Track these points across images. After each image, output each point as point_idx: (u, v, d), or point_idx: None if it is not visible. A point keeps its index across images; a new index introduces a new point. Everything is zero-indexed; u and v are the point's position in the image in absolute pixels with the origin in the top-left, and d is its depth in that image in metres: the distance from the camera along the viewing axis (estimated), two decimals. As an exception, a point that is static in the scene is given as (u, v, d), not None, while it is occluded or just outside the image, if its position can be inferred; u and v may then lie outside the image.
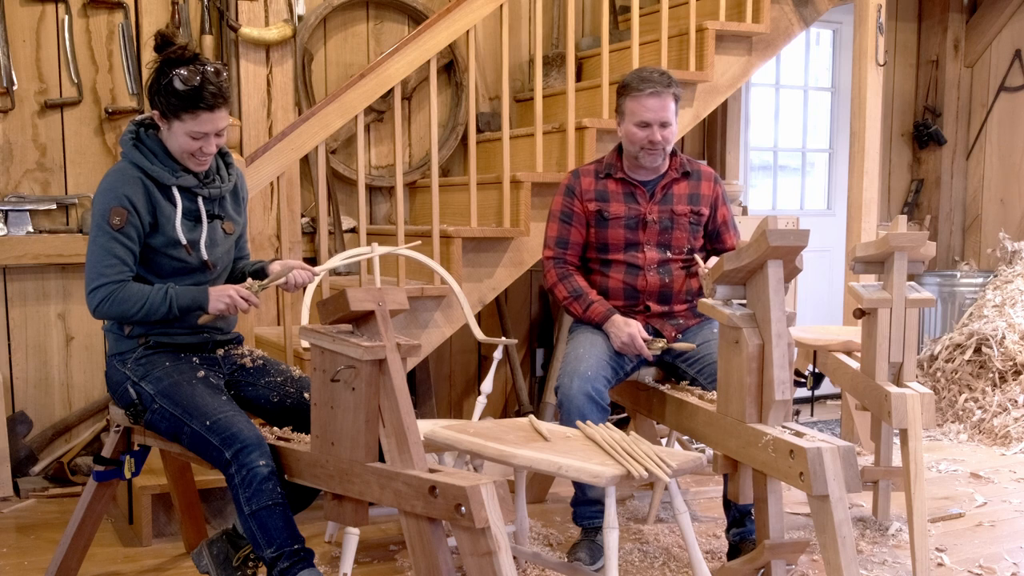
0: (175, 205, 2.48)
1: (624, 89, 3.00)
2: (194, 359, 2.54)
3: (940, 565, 3.01)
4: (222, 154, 2.62)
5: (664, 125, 2.96)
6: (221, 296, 2.45)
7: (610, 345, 2.98)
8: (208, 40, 3.90)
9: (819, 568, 2.95)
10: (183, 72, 2.39)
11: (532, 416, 2.76)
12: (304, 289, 2.90)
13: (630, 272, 3.04)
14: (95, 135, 3.84)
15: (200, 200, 2.53)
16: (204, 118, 2.41)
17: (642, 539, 3.22)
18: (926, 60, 5.94)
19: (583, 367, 2.87)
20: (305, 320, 3.05)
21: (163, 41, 2.44)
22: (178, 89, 2.39)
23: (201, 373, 2.49)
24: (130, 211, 2.41)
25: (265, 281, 2.55)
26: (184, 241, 2.48)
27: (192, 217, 2.51)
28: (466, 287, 3.67)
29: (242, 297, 2.46)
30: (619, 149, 3.12)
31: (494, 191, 3.82)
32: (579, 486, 2.93)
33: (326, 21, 4.22)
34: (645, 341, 2.93)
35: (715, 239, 3.14)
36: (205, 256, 2.53)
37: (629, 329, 2.92)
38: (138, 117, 2.56)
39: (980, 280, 5.45)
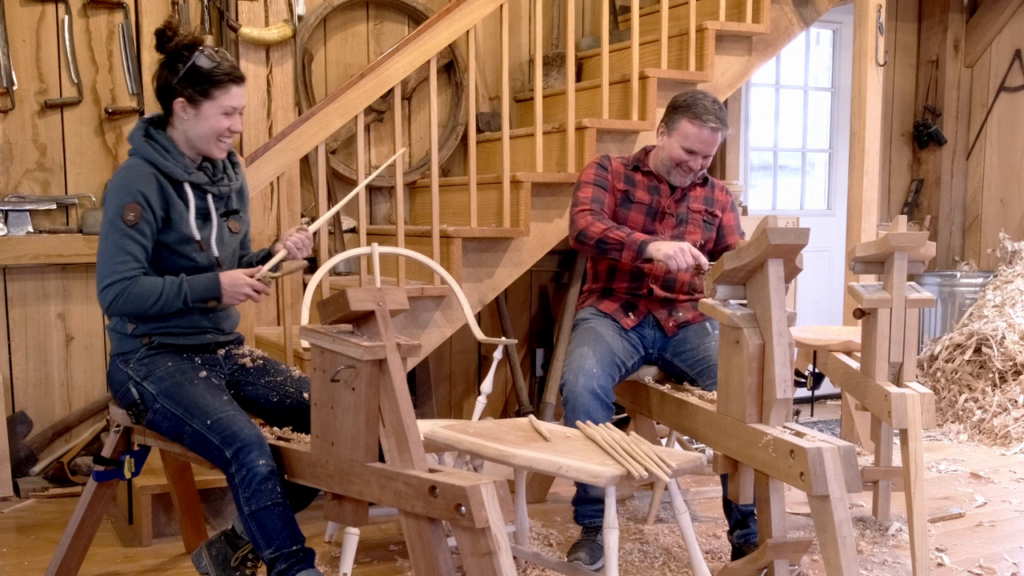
0: (187, 201, 2.49)
1: (684, 109, 3.02)
2: (196, 359, 2.54)
3: (940, 565, 3.01)
4: (228, 153, 2.64)
5: (706, 157, 3.07)
6: (236, 293, 2.47)
7: (614, 343, 2.99)
8: (208, 40, 3.89)
9: (819, 568, 2.95)
10: (206, 50, 2.44)
11: (532, 416, 2.76)
12: (305, 287, 2.90)
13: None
14: (95, 135, 3.84)
15: (210, 198, 2.54)
16: (234, 92, 2.48)
17: (642, 539, 3.21)
18: (926, 60, 5.93)
19: (588, 364, 2.88)
20: (305, 320, 3.05)
21: (170, 34, 2.48)
22: (205, 67, 2.44)
23: (203, 373, 2.49)
24: (144, 207, 2.41)
25: (272, 263, 2.55)
26: (198, 237, 2.49)
27: (202, 214, 2.53)
28: (466, 287, 3.67)
29: (256, 290, 2.49)
30: (646, 150, 3.22)
31: (494, 191, 3.82)
32: (581, 485, 2.93)
33: (326, 21, 4.22)
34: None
35: (720, 241, 3.20)
36: (216, 253, 2.54)
37: (678, 242, 2.92)
38: (147, 115, 2.57)
39: (980, 280, 5.44)
